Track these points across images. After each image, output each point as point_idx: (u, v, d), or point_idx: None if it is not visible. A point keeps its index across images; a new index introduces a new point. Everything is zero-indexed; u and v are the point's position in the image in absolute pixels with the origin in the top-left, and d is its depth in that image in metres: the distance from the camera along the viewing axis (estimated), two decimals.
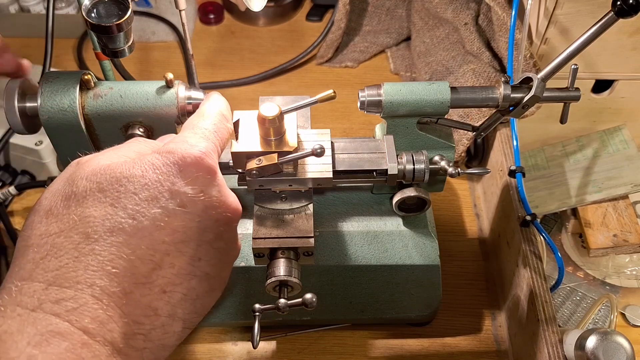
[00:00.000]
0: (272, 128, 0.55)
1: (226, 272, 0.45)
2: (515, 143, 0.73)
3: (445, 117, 0.60)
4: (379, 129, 0.65)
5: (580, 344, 0.58)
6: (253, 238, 0.60)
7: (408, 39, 1.06)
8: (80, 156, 0.42)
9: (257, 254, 0.60)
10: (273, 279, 0.58)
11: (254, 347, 0.55)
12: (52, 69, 0.73)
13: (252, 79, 1.01)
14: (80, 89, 0.54)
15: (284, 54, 1.05)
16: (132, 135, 0.55)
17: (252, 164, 0.56)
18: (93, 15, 0.51)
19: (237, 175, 0.62)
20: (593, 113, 0.81)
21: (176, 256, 0.40)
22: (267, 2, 0.69)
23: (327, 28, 1.01)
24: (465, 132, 0.78)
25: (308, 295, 0.55)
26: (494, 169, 0.80)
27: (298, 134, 0.59)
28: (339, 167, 0.61)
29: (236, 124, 0.59)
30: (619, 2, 0.50)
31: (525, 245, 0.68)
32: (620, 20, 0.51)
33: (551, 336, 0.62)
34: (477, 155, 0.85)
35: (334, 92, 0.55)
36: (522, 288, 0.68)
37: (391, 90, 0.58)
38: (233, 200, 0.44)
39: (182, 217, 0.40)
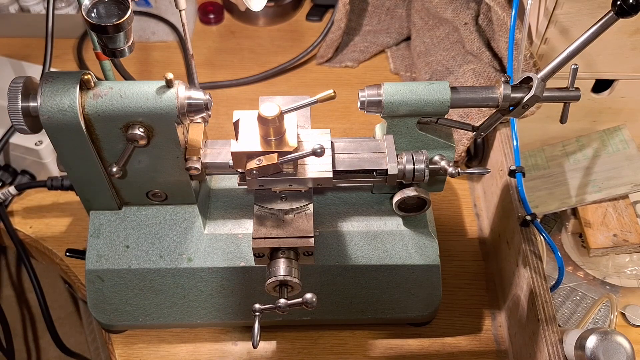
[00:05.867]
0: (272, 128, 0.55)
1: None
2: (515, 143, 0.73)
3: (445, 117, 0.60)
4: (379, 129, 0.65)
5: (580, 344, 0.58)
6: (253, 238, 0.60)
7: (408, 38, 1.06)
8: None
9: (257, 254, 0.60)
10: (273, 279, 0.58)
11: (254, 347, 0.55)
12: (52, 69, 0.73)
13: (252, 79, 1.01)
14: (80, 89, 0.54)
15: (284, 54, 1.05)
16: (133, 135, 0.55)
17: (252, 164, 0.56)
18: (93, 15, 0.51)
19: (237, 175, 0.62)
20: (593, 113, 0.81)
21: None
22: (267, 2, 0.69)
23: (327, 28, 1.01)
24: (465, 132, 0.78)
25: (308, 295, 0.55)
26: (494, 169, 0.80)
27: (298, 134, 0.59)
28: (339, 167, 0.61)
29: (236, 124, 0.59)
30: (619, 2, 0.50)
31: (525, 245, 0.68)
32: (620, 20, 0.51)
33: (551, 336, 0.62)
34: (477, 155, 0.85)
35: (334, 92, 0.55)
36: (522, 288, 0.68)
37: (391, 90, 0.58)
38: None
39: None
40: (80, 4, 0.51)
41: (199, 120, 0.60)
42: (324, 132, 0.61)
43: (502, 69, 0.82)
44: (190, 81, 0.91)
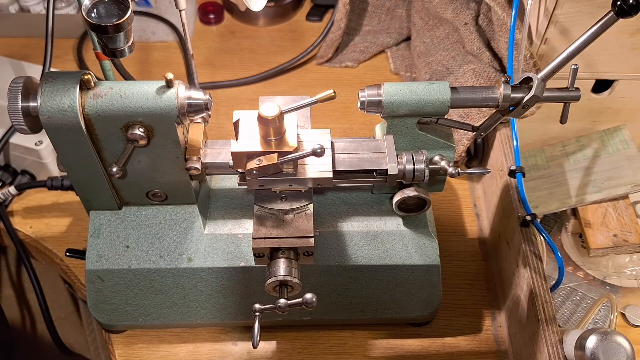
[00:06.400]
0: (272, 128, 0.55)
1: None
2: (515, 143, 0.73)
3: (445, 117, 0.60)
4: (379, 129, 0.65)
5: (580, 344, 0.58)
6: (253, 238, 0.60)
7: (408, 39, 1.06)
8: None
9: (257, 254, 0.60)
10: (273, 279, 0.58)
11: (254, 347, 0.55)
12: (52, 69, 0.73)
13: (252, 79, 1.01)
14: (80, 89, 0.54)
15: (284, 54, 1.05)
16: (133, 135, 0.55)
17: (252, 164, 0.56)
18: (93, 15, 0.51)
19: (237, 175, 0.62)
20: (593, 113, 0.81)
21: None
22: (267, 2, 0.69)
23: (327, 28, 1.01)
24: (465, 132, 0.78)
25: (308, 295, 0.55)
26: (494, 169, 0.80)
27: (298, 134, 0.59)
28: (339, 167, 0.61)
29: (236, 124, 0.59)
30: (619, 2, 0.50)
31: (525, 245, 0.68)
32: (620, 20, 0.51)
33: (551, 336, 0.62)
34: (477, 155, 0.85)
35: (334, 92, 0.55)
36: (522, 288, 0.68)
37: (391, 90, 0.58)
38: None
39: None
40: (80, 4, 0.51)
41: (199, 120, 0.60)
42: (324, 132, 0.61)
43: (502, 69, 0.82)
44: (190, 81, 0.91)
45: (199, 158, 0.60)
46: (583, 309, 0.75)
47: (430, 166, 0.61)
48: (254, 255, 0.61)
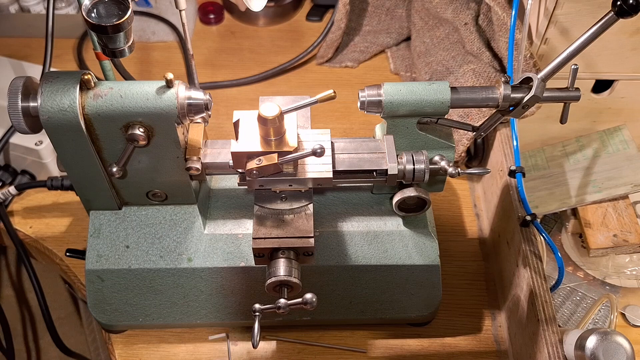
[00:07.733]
0: (272, 128, 0.55)
1: None
2: (515, 143, 0.73)
3: (445, 117, 0.60)
4: (379, 129, 0.65)
5: (580, 344, 0.58)
6: (253, 238, 0.60)
7: (408, 39, 1.06)
8: None
9: (257, 254, 0.60)
10: (273, 279, 0.58)
11: (254, 347, 0.55)
12: (52, 69, 0.73)
13: (252, 79, 1.01)
14: (80, 89, 0.54)
15: (284, 54, 1.05)
16: (133, 135, 0.55)
17: (252, 164, 0.56)
18: (93, 15, 0.51)
19: (237, 175, 0.62)
20: (593, 113, 0.81)
21: None
22: (267, 2, 0.69)
23: (327, 28, 1.01)
24: (465, 132, 0.78)
25: (308, 295, 0.55)
26: (494, 169, 0.80)
27: (298, 134, 0.59)
28: (339, 167, 0.61)
29: (236, 124, 0.59)
30: (619, 2, 0.50)
31: (525, 245, 0.68)
32: (620, 20, 0.51)
33: (551, 336, 0.62)
34: (477, 155, 0.85)
35: (334, 92, 0.55)
36: (522, 288, 0.68)
37: (391, 90, 0.58)
38: None
39: None
40: (80, 4, 0.51)
41: (199, 120, 0.60)
42: (324, 132, 0.61)
43: (502, 69, 0.82)
44: (190, 81, 0.91)
45: (199, 158, 0.60)
46: (583, 309, 0.75)
47: (430, 166, 0.61)
48: (254, 255, 0.61)
